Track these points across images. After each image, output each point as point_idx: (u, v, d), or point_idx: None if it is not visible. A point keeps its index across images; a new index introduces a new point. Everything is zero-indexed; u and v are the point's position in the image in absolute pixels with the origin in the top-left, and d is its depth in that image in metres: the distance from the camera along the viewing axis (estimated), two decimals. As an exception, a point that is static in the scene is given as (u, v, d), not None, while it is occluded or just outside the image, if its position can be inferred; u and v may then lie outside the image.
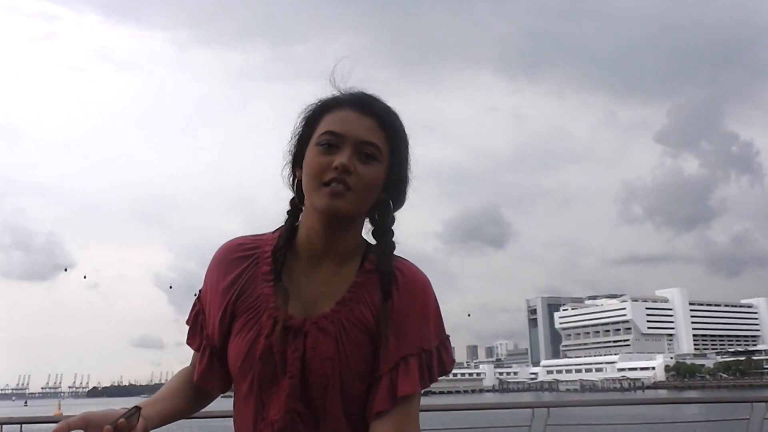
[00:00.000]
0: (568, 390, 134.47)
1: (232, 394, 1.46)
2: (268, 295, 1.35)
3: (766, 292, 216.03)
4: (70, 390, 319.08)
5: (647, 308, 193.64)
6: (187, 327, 1.46)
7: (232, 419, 1.41)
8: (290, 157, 1.41)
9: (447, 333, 1.39)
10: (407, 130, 1.41)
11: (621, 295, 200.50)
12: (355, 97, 1.38)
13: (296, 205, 1.41)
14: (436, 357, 1.35)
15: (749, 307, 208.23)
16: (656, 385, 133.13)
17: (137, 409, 1.23)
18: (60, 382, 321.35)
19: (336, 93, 1.40)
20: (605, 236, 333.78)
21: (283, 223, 1.42)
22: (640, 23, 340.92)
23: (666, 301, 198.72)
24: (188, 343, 1.45)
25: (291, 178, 1.42)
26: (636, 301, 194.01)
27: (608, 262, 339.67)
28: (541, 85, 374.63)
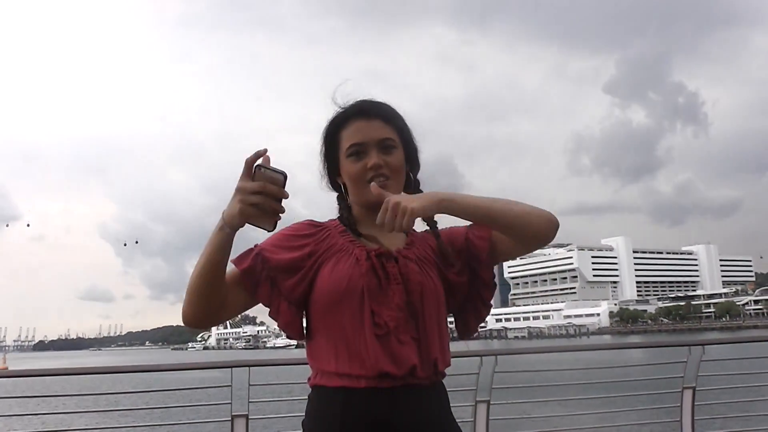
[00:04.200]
0: (516, 337, 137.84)
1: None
2: (353, 241, 1.71)
3: (705, 239, 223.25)
4: (16, 344, 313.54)
5: (593, 257, 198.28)
6: (246, 274, 1.65)
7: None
8: (326, 171, 1.81)
9: None
10: (401, 112, 1.78)
11: (568, 245, 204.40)
12: (359, 107, 1.75)
13: (344, 200, 1.80)
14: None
15: (689, 254, 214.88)
16: (601, 331, 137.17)
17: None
18: (5, 336, 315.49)
19: (340, 109, 1.77)
20: (554, 186, 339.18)
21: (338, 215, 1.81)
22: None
23: (611, 249, 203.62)
24: (260, 298, 1.66)
25: (329, 184, 1.82)
26: (582, 250, 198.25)
27: (557, 212, 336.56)
28: (492, 36, 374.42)
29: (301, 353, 1.94)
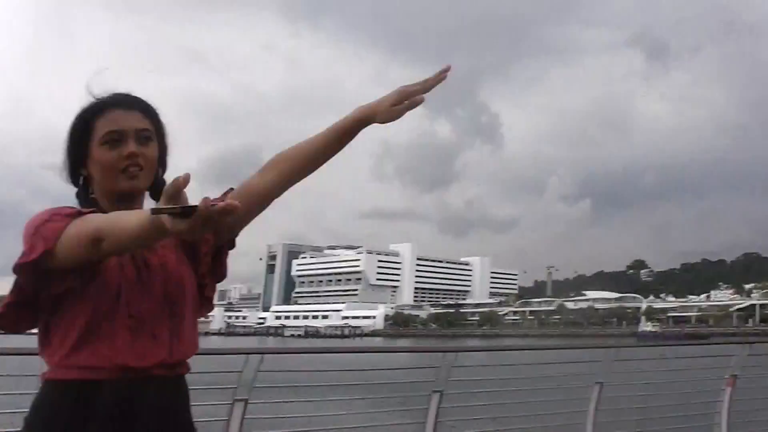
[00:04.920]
0: (292, 335, 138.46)
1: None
2: None
3: (483, 251, 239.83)
4: None
5: (379, 260, 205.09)
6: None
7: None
8: (70, 160, 1.72)
9: None
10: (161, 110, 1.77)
11: (358, 247, 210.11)
12: (119, 98, 1.71)
13: (86, 196, 1.71)
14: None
15: (466, 264, 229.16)
16: (374, 333, 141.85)
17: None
18: None
19: (95, 99, 1.71)
20: (357, 190, 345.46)
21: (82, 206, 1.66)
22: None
23: (397, 254, 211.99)
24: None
25: (70, 176, 1.73)
26: (371, 253, 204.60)
27: (355, 214, 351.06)
28: (321, 33, 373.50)
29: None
